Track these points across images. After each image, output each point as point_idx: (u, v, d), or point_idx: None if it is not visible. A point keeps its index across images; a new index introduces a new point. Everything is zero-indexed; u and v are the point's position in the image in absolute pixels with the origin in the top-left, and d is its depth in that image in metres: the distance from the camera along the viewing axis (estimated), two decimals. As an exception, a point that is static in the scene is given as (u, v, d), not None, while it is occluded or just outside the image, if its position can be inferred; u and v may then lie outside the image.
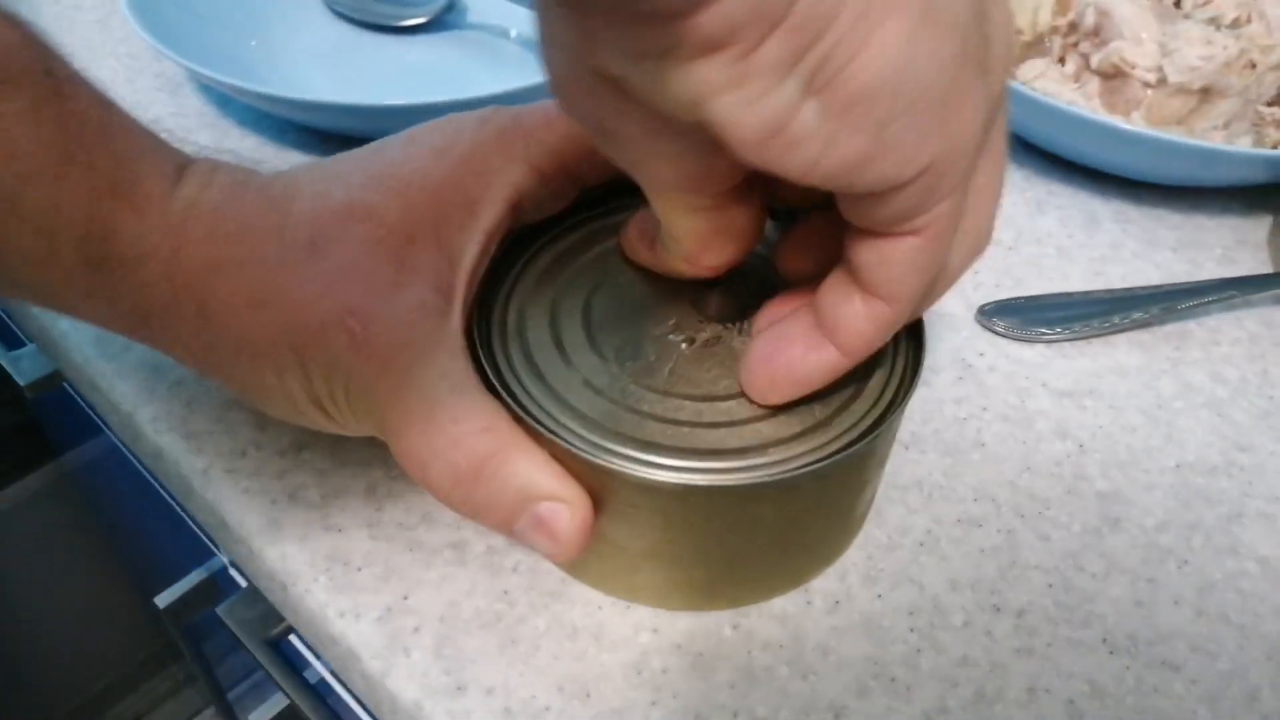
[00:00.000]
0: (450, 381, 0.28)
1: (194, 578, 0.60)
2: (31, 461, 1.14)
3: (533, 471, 0.28)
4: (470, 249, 0.29)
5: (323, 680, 0.51)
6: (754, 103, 0.20)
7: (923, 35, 0.20)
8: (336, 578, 0.33)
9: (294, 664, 0.48)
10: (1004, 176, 0.27)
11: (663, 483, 0.27)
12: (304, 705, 0.47)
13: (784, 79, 0.20)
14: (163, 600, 0.59)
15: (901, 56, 0.20)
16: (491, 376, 0.29)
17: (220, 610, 0.47)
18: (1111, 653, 0.33)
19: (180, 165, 0.30)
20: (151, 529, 0.83)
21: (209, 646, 0.75)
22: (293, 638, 0.50)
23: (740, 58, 0.20)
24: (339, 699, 0.50)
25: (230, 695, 0.86)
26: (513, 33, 0.58)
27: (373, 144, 0.32)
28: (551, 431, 0.28)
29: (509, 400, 0.29)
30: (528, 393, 0.29)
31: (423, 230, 0.29)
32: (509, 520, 0.28)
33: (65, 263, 0.28)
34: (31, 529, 1.13)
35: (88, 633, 1.27)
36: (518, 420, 0.28)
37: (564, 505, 0.28)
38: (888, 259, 0.25)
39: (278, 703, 0.54)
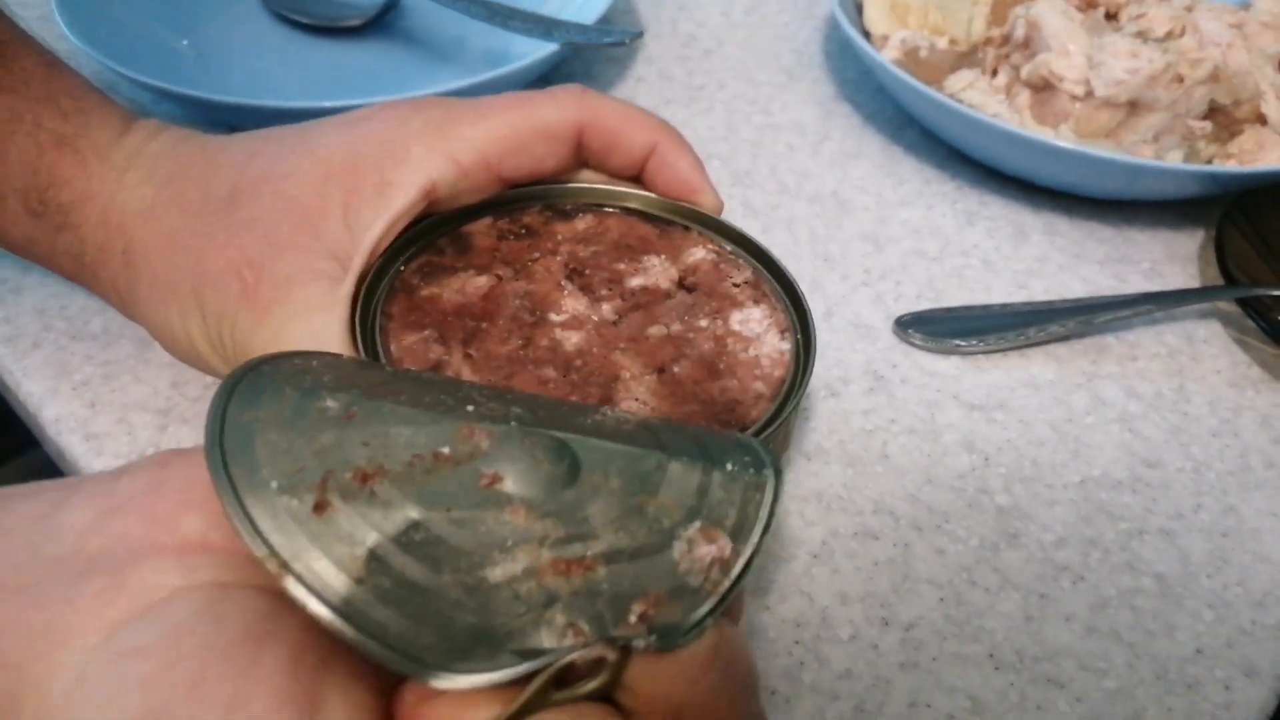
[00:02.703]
0: (319, 342, 0.28)
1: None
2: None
3: None
4: (375, 226, 0.30)
5: None
6: None
7: None
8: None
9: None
10: None
11: None
12: None
13: None
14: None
15: None
16: (362, 345, 0.29)
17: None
18: (997, 668, 0.33)
19: (127, 119, 0.34)
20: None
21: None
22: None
23: None
24: None
25: None
26: (452, 35, 0.58)
27: (317, 119, 0.33)
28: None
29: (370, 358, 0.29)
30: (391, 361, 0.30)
31: (333, 200, 0.30)
32: None
33: (11, 212, 0.33)
34: None
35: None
36: None
37: None
38: None
39: None
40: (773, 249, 0.34)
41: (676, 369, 0.30)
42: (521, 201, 0.35)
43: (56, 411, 0.38)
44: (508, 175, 0.33)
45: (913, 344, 0.44)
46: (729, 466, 0.23)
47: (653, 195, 0.35)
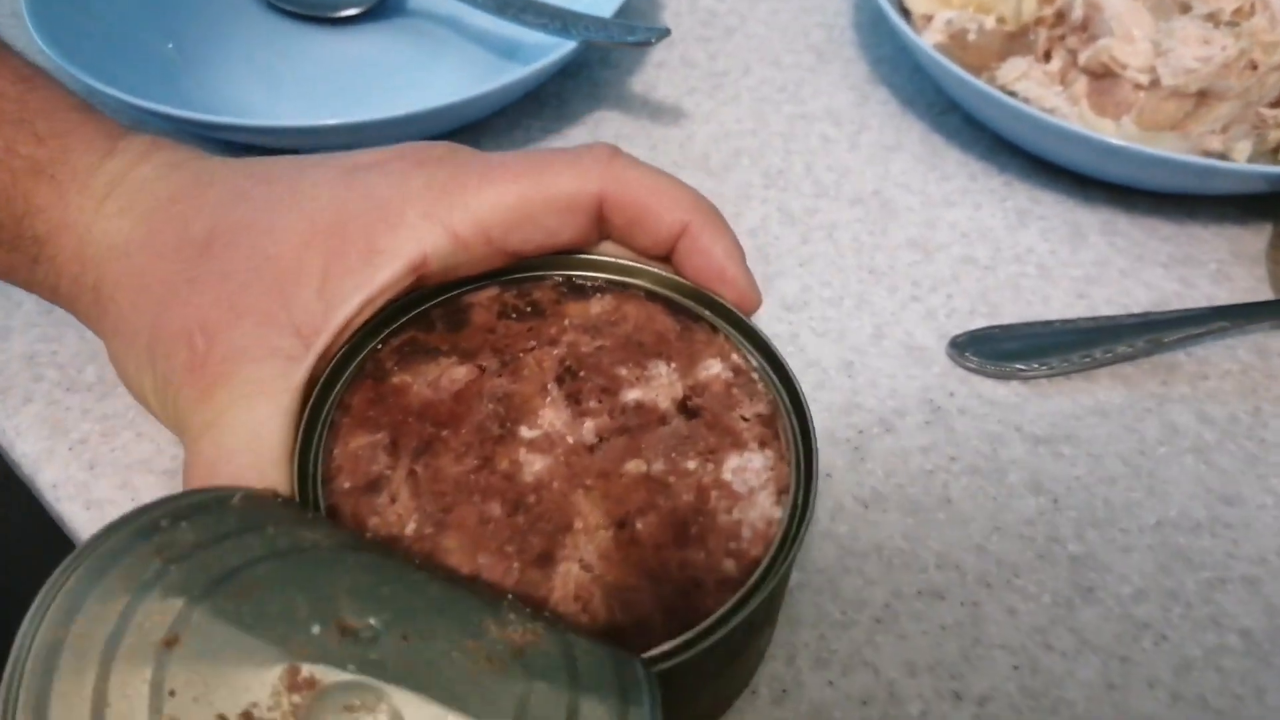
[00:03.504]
0: (256, 439, 0.25)
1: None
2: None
3: None
4: (353, 299, 0.27)
5: None
6: None
7: None
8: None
9: None
10: None
11: None
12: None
13: None
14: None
15: None
16: (299, 449, 0.26)
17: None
18: (1079, 746, 0.31)
19: (114, 137, 0.31)
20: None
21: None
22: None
23: None
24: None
25: None
26: (457, 24, 0.54)
27: (320, 156, 0.30)
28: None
29: (299, 479, 0.26)
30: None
31: (312, 265, 0.27)
32: None
33: None
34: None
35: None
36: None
37: None
38: None
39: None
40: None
41: (640, 524, 0.25)
42: (538, 270, 0.30)
43: (54, 476, 0.35)
44: (513, 249, 0.29)
45: (969, 368, 0.41)
46: None
47: (686, 282, 0.30)
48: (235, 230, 0.28)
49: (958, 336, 0.41)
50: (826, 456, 0.37)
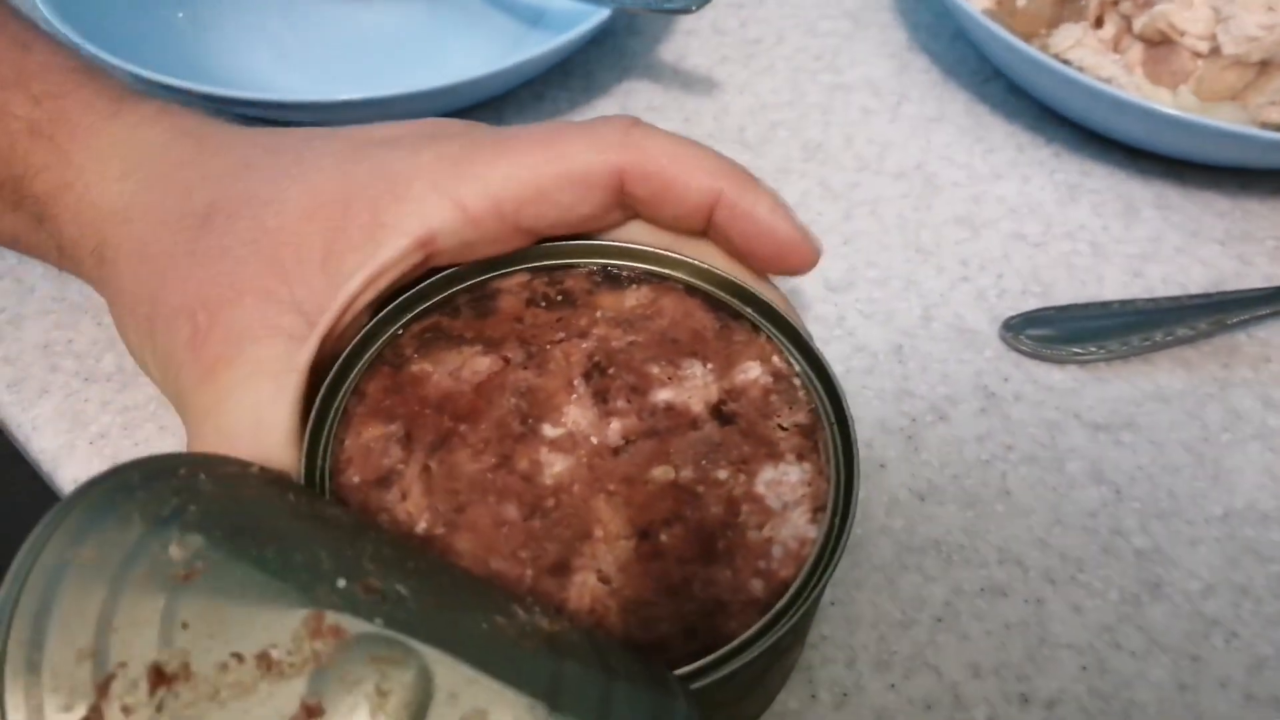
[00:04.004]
0: (259, 423, 0.24)
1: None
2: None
3: None
4: (356, 275, 0.25)
5: None
6: None
7: None
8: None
9: None
10: None
11: None
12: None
13: None
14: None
15: None
16: (309, 435, 0.24)
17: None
18: (1152, 750, 0.30)
19: (118, 99, 0.30)
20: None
21: None
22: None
23: None
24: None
25: None
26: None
27: (331, 129, 0.29)
28: None
29: (307, 470, 0.24)
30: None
31: (313, 239, 0.25)
32: None
33: None
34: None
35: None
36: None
37: None
38: None
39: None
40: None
41: (664, 536, 0.23)
42: (571, 258, 0.28)
43: (74, 472, 0.34)
44: (528, 226, 0.27)
45: (1023, 352, 0.39)
46: None
47: (728, 276, 0.28)
48: (237, 202, 0.27)
49: (1011, 318, 0.40)
50: (880, 447, 0.36)
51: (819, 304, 0.40)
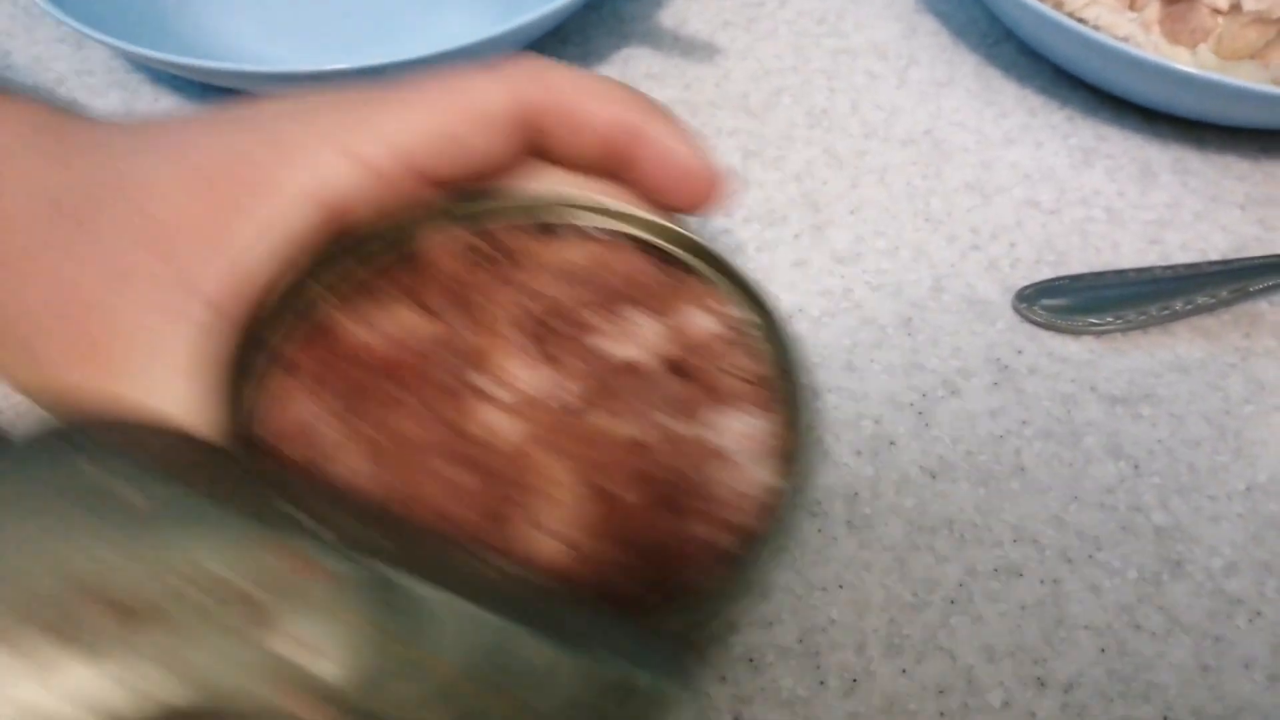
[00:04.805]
0: (169, 409, 0.22)
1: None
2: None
3: None
4: (254, 247, 0.23)
5: None
6: None
7: None
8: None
9: None
10: None
11: None
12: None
13: None
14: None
15: None
16: (230, 412, 0.22)
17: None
18: (1174, 734, 0.29)
19: None
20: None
21: None
22: None
23: None
24: None
25: None
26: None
27: (218, 110, 0.26)
28: None
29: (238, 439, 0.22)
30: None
31: (198, 214, 0.23)
32: None
33: None
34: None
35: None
36: None
37: None
38: None
39: None
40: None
41: (621, 492, 0.22)
42: (504, 212, 0.26)
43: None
44: (444, 175, 0.25)
45: (1037, 323, 0.38)
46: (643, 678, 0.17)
47: (677, 228, 0.26)
48: (109, 189, 0.24)
49: (1024, 289, 0.38)
50: (889, 423, 0.35)
51: (825, 276, 0.39)
